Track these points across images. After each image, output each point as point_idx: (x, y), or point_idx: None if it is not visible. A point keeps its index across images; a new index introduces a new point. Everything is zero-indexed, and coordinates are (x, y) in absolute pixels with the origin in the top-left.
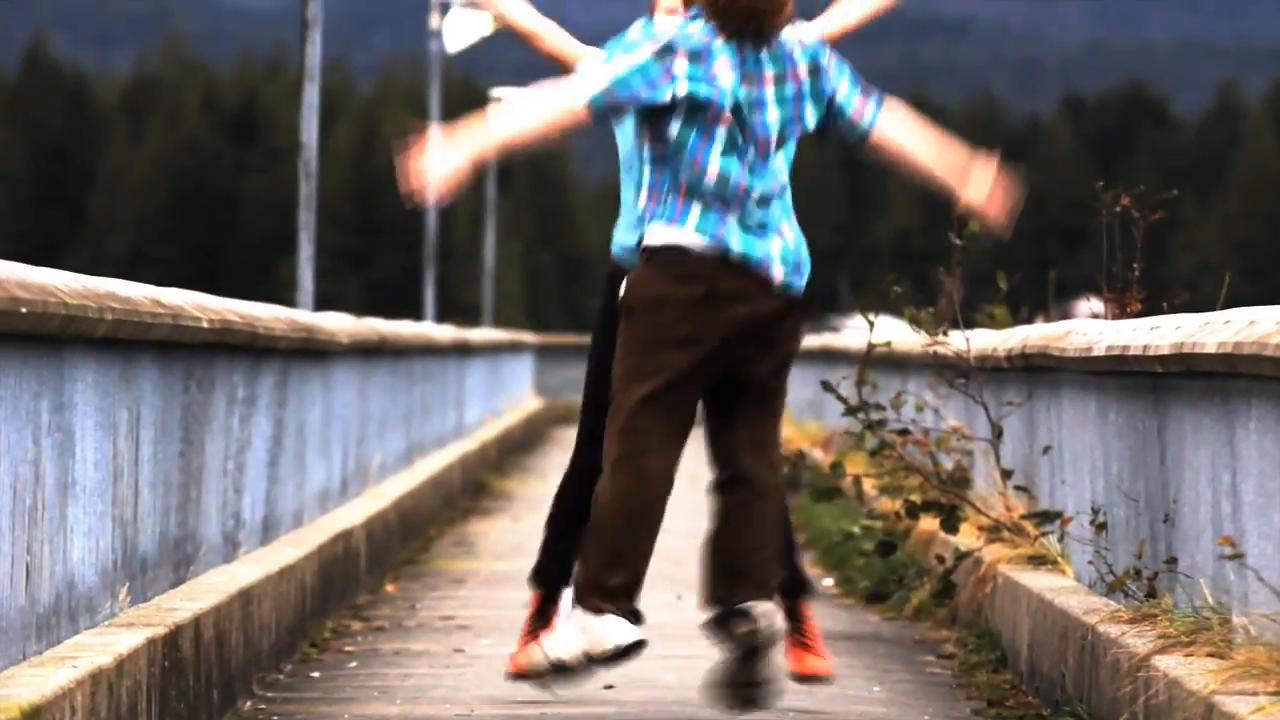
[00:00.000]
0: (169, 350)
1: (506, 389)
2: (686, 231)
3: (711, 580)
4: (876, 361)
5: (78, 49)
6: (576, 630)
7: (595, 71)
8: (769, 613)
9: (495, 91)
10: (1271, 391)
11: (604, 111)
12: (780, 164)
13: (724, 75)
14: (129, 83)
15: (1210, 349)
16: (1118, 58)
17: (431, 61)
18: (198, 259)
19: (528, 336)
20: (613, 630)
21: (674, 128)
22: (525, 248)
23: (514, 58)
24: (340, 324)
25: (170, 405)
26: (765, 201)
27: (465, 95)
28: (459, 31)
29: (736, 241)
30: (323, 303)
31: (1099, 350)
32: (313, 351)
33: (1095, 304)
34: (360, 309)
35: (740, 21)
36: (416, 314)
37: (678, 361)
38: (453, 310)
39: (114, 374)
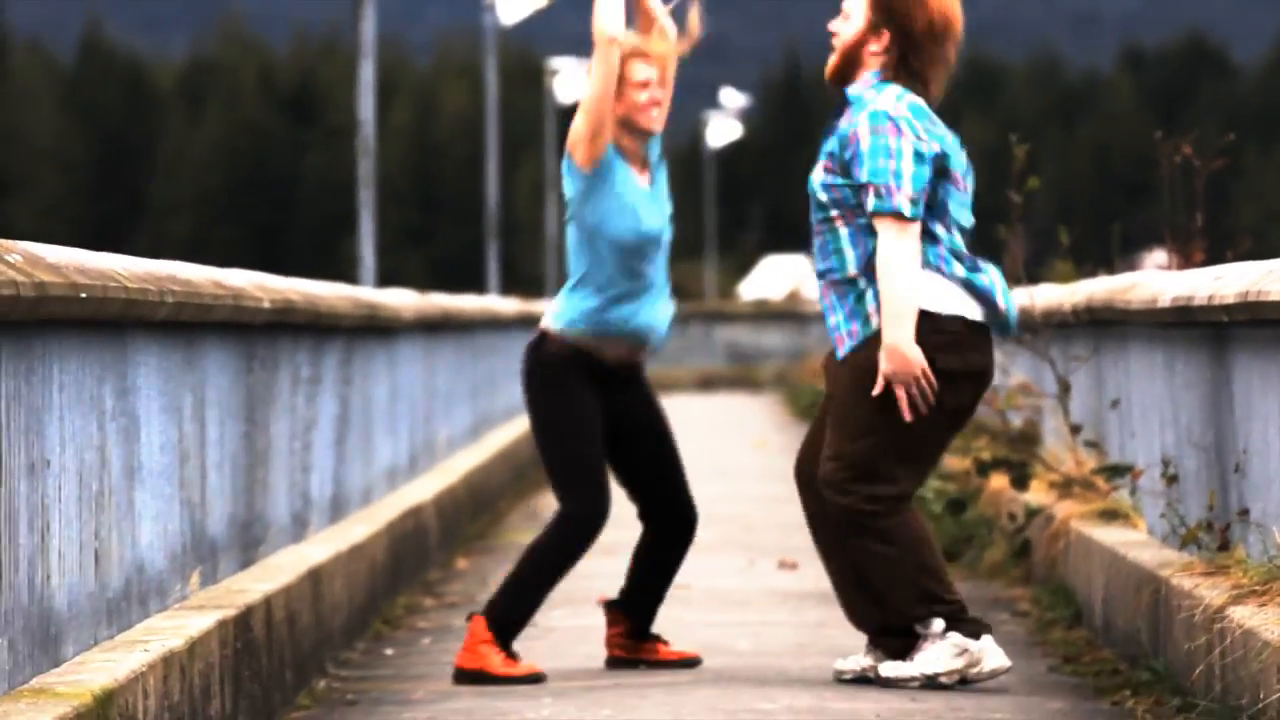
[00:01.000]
0: (232, 331)
1: None
2: None
3: None
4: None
5: (133, 34)
6: (953, 650)
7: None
8: None
9: (552, 62)
10: None
11: None
12: None
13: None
14: (185, 66)
15: (1276, 296)
16: (1176, 8)
17: (487, 35)
18: (259, 240)
19: None
20: (990, 653)
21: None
22: None
23: (571, 30)
24: (403, 300)
25: (235, 387)
26: None
27: (522, 68)
28: (516, 1)
29: None
30: (385, 279)
31: (1164, 302)
32: (377, 329)
33: (1160, 256)
34: (423, 285)
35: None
36: (480, 288)
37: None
38: (516, 283)
39: (177, 357)
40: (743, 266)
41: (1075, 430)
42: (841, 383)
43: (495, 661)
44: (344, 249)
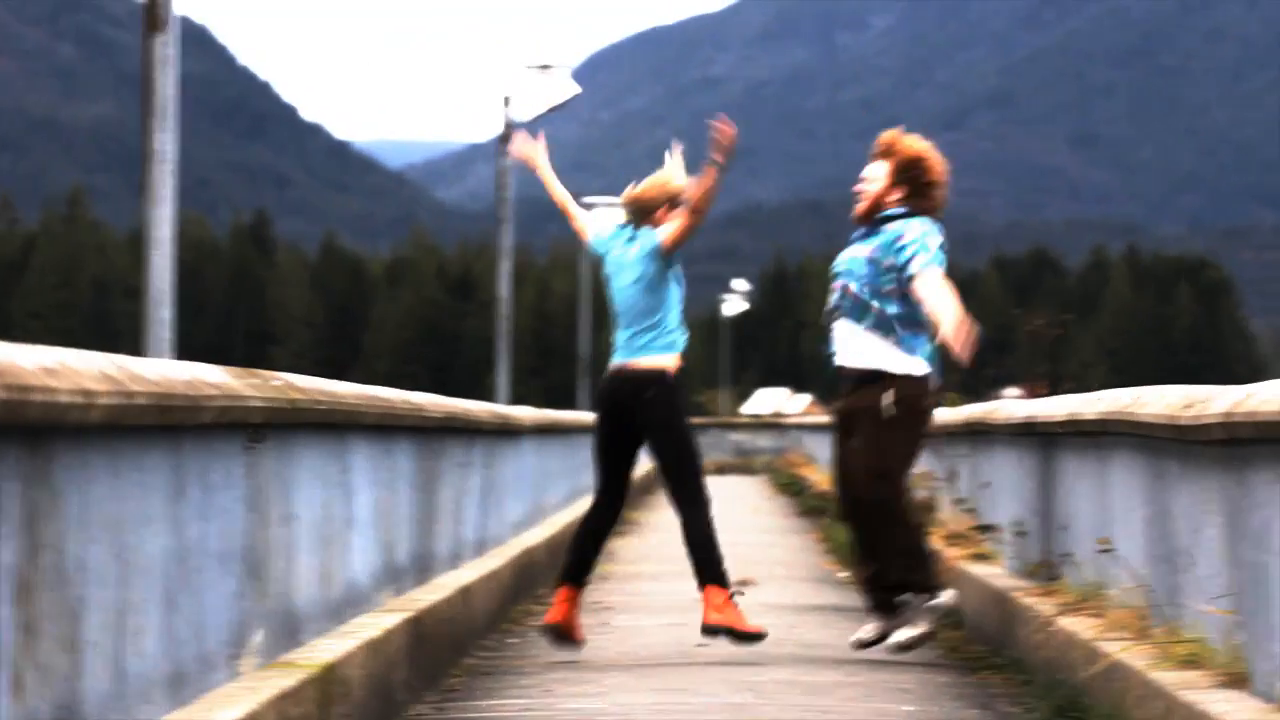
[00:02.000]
0: (414, 433)
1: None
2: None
3: None
4: None
5: (356, 241)
6: (926, 613)
7: None
8: None
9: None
10: (1128, 444)
11: None
12: None
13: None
14: (389, 261)
15: (1090, 416)
16: (1028, 231)
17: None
18: (434, 375)
19: None
20: (946, 594)
21: None
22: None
23: None
24: (525, 413)
25: (415, 468)
26: None
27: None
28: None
29: None
30: (514, 400)
31: (1017, 419)
32: (508, 431)
33: (1015, 390)
34: (538, 404)
35: None
36: (575, 406)
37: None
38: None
39: (379, 448)
40: (744, 394)
41: (959, 502)
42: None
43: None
44: (488, 381)
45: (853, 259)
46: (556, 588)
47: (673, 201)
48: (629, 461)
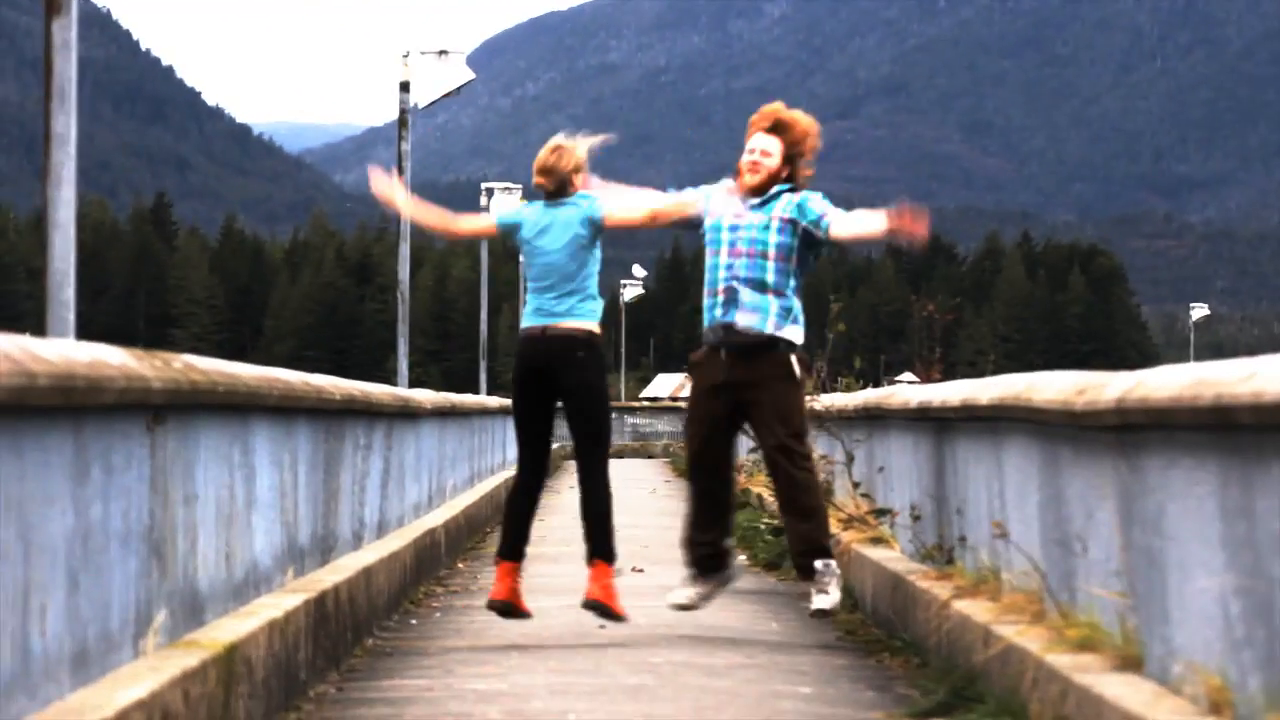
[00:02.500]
0: (315, 414)
1: None
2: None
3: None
4: None
5: (256, 224)
6: (836, 578)
7: None
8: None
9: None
10: (1022, 430)
11: None
12: None
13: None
14: (289, 245)
15: (984, 401)
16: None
17: None
18: (334, 358)
19: None
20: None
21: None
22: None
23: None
24: (425, 396)
25: (316, 450)
26: None
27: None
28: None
29: None
30: (414, 383)
31: (913, 405)
32: (408, 414)
33: (910, 376)
34: (438, 387)
35: None
36: (475, 389)
37: None
38: (499, 387)
39: (280, 430)
40: (643, 379)
41: (856, 486)
42: (778, 377)
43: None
44: (388, 364)
45: (750, 225)
46: (497, 564)
47: (577, 169)
48: (550, 428)
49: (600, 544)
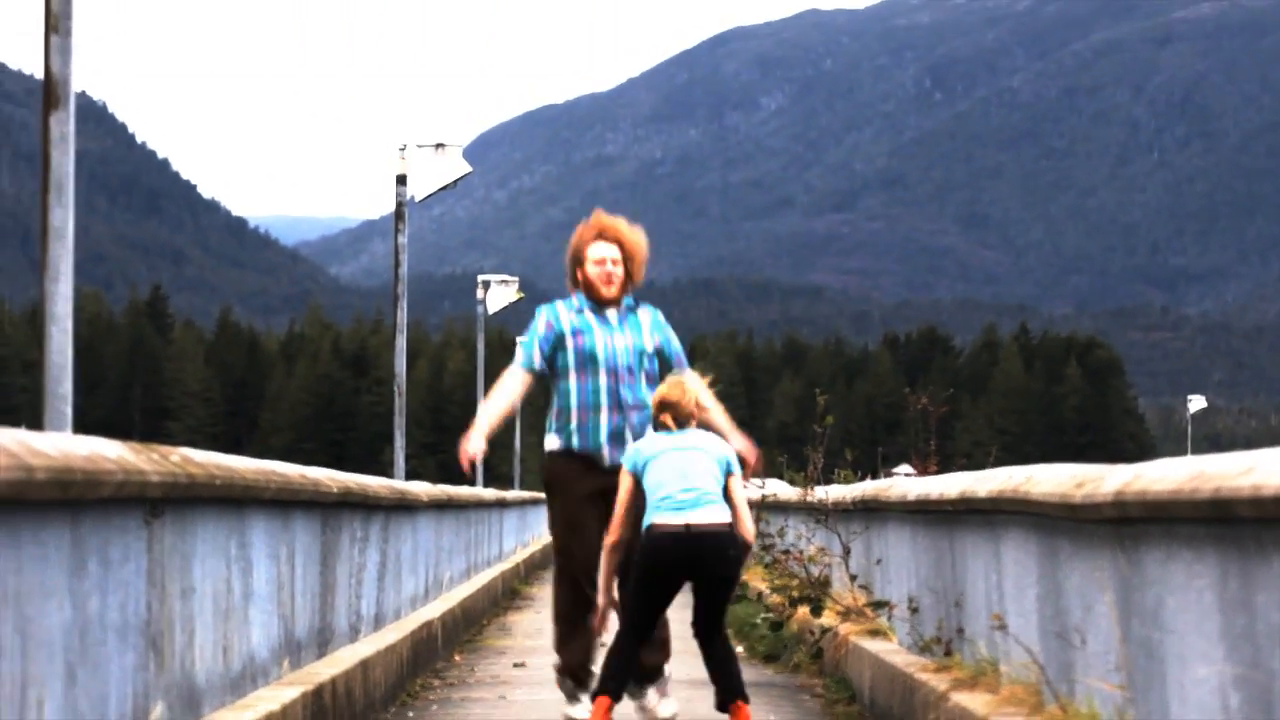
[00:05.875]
0: (312, 507)
1: (530, 529)
2: None
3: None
4: (769, 506)
5: (252, 316)
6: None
7: None
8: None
9: (519, 338)
10: (1020, 522)
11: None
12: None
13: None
14: (285, 337)
15: (982, 494)
16: (919, 310)
17: (478, 319)
18: (331, 450)
19: (542, 495)
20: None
21: None
22: (540, 438)
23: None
24: (422, 488)
25: (313, 543)
26: None
27: (500, 342)
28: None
29: None
30: (410, 476)
31: (911, 497)
32: (405, 506)
33: (907, 468)
34: (434, 479)
35: None
36: (471, 482)
37: None
38: (494, 479)
39: (277, 523)
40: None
41: (853, 578)
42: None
43: None
44: (384, 456)
45: (627, 347)
46: (594, 697)
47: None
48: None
49: (737, 685)
